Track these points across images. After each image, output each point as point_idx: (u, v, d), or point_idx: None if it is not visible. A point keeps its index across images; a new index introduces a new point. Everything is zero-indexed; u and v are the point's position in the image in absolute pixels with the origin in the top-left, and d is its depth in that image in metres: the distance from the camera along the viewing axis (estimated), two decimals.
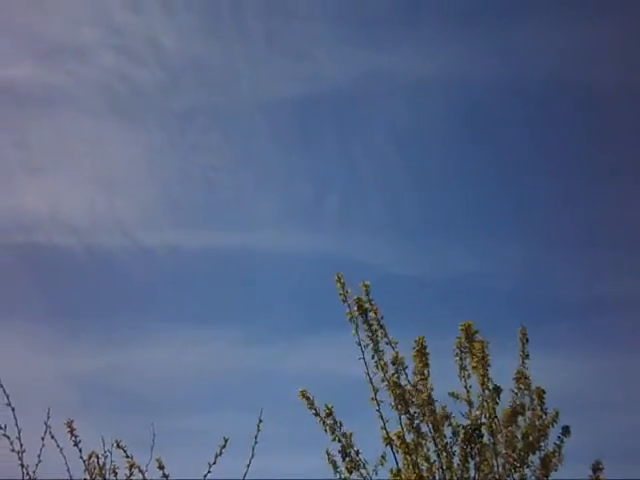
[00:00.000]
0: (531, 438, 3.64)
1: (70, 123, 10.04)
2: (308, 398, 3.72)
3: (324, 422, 3.69)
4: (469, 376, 3.66)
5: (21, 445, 3.28)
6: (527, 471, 3.65)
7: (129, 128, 10.29)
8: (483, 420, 3.62)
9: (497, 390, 3.67)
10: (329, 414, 3.68)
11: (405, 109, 10.08)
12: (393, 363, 3.69)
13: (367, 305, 3.72)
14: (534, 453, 3.66)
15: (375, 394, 3.67)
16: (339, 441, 3.67)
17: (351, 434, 3.68)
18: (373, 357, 3.68)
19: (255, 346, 9.39)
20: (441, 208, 10.23)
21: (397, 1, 9.89)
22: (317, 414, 3.71)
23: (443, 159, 10.21)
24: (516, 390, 3.73)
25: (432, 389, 3.65)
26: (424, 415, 3.60)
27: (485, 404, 3.63)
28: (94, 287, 9.88)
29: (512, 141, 10.05)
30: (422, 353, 3.68)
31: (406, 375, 3.68)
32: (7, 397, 3.31)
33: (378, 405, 3.67)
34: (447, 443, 3.62)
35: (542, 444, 3.70)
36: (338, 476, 3.67)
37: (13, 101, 9.81)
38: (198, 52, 10.04)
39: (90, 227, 10.11)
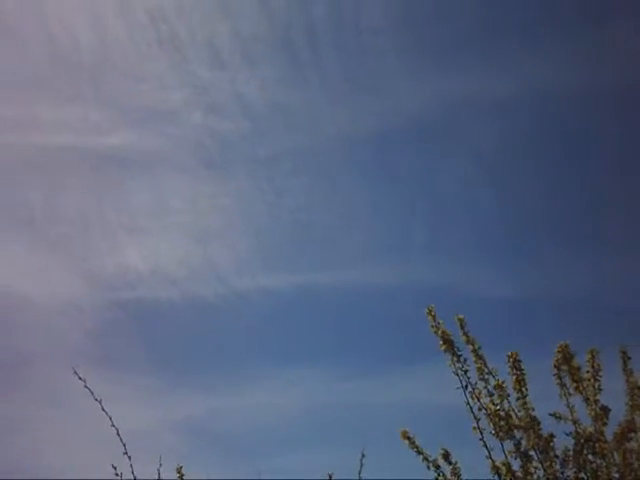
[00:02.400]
0: None
1: (165, 182, 10.60)
2: (409, 438, 3.70)
3: (427, 460, 3.66)
4: (570, 394, 3.55)
5: None
6: None
7: (219, 180, 10.73)
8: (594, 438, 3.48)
9: (605, 410, 3.53)
10: (446, 456, 3.64)
11: (488, 132, 9.98)
12: (495, 389, 3.62)
13: (462, 337, 3.69)
14: None
15: (477, 422, 3.62)
16: (444, 477, 3.62)
17: (457, 464, 3.63)
18: (467, 387, 3.63)
19: (351, 381, 9.41)
20: (530, 230, 9.99)
21: (466, 22, 9.88)
22: (420, 453, 3.68)
23: (530, 179, 10.00)
24: (629, 405, 3.56)
25: (533, 408, 3.55)
26: (529, 439, 3.51)
27: (594, 423, 3.50)
28: (194, 335, 10.22)
29: (606, 153, 9.70)
30: (516, 368, 3.60)
31: (509, 402, 3.60)
32: (124, 446, 3.45)
33: (481, 433, 3.61)
34: (557, 470, 3.50)
35: None
36: None
37: (113, 167, 10.45)
38: (279, 98, 10.38)
39: (187, 278, 10.52)
